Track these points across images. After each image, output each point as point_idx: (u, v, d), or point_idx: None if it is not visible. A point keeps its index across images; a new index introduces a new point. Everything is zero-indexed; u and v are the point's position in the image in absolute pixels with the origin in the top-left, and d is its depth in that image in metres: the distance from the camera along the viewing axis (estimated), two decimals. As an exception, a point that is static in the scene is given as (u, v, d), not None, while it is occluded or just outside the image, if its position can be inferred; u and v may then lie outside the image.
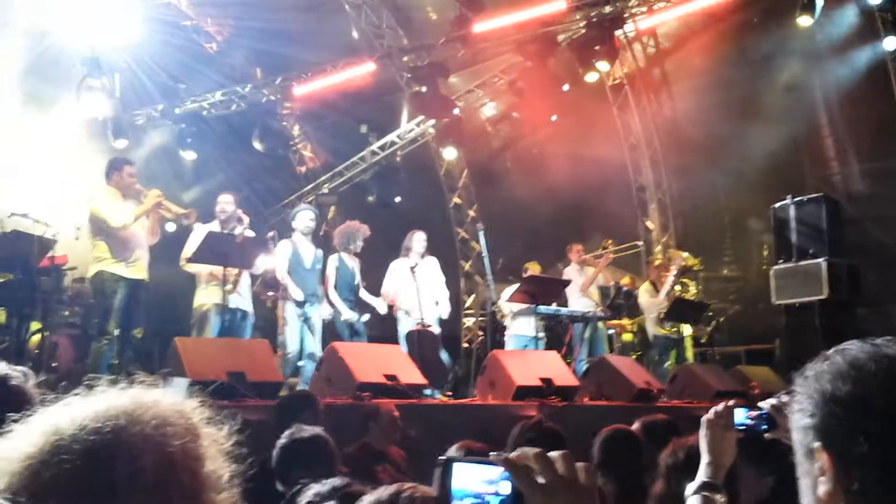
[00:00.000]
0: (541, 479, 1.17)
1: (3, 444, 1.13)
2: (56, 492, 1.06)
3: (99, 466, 1.08)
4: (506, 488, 1.18)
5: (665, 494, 2.68)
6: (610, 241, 11.61)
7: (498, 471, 1.18)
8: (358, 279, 9.23)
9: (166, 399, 1.19)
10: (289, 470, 3.74)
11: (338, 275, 9.07)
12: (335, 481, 2.58)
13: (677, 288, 10.96)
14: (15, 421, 1.15)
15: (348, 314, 8.94)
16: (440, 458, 1.21)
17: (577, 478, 1.19)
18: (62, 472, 1.07)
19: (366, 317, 9.16)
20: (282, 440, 3.90)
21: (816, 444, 1.22)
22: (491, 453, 1.19)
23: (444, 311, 9.55)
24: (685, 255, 11.29)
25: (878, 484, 1.15)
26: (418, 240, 9.47)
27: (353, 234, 9.26)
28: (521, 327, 10.51)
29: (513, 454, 1.19)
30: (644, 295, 11.01)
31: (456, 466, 1.19)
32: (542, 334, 10.16)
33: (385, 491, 2.03)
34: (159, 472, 1.10)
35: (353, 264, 9.23)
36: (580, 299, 10.75)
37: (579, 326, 10.53)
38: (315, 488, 2.56)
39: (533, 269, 10.86)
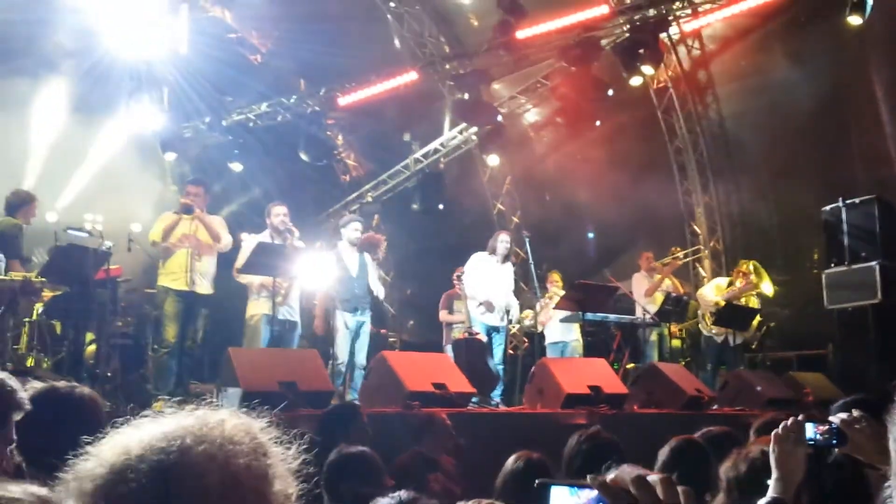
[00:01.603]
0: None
1: (77, 464, 1.15)
2: None
3: (165, 485, 1.09)
4: None
5: (728, 508, 2.64)
6: (678, 249, 11.65)
7: (594, 494, 1.18)
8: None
9: (233, 419, 1.20)
10: (337, 485, 3.80)
11: None
12: (402, 494, 2.55)
13: (743, 300, 10.91)
14: (89, 442, 1.17)
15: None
16: (538, 480, 1.21)
17: (677, 501, 1.18)
18: (130, 492, 1.08)
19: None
20: (330, 456, 3.96)
21: None
22: (588, 476, 1.19)
23: (515, 315, 9.82)
24: (766, 285, 11.20)
25: None
26: (503, 241, 9.61)
27: (374, 246, 9.47)
28: (552, 334, 10.60)
29: (610, 477, 1.19)
30: (710, 288, 11.02)
31: (553, 490, 1.20)
32: (576, 338, 10.25)
33: None
34: (225, 490, 1.11)
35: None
36: (647, 305, 10.85)
37: (643, 331, 10.59)
38: (382, 502, 2.54)
39: (554, 277, 10.97)
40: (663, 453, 3.48)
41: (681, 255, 11.54)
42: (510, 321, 9.86)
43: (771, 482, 2.30)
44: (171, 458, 1.11)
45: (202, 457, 1.12)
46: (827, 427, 2.43)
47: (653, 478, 1.19)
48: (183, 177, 11.28)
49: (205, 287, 8.20)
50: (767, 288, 11.10)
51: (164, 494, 1.08)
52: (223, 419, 1.19)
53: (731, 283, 11.13)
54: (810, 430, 2.42)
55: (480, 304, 9.36)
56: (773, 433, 2.38)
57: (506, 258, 9.65)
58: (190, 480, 1.10)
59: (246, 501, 1.13)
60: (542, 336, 11.10)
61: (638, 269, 11.60)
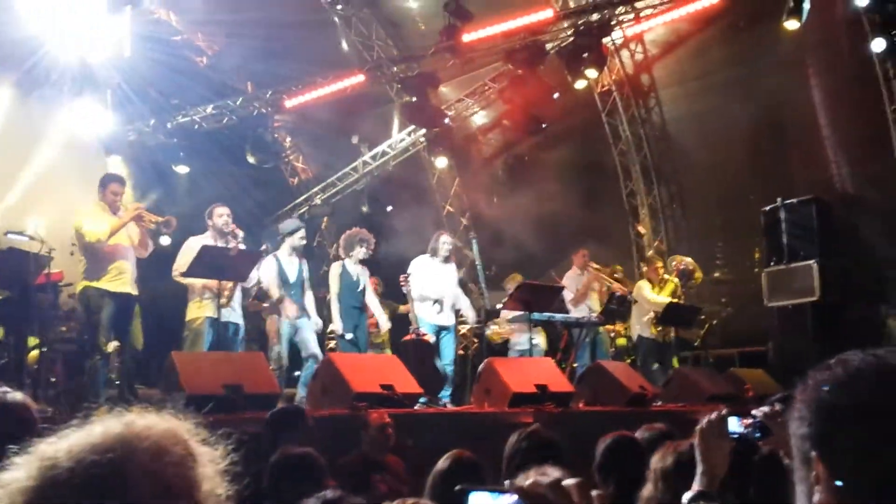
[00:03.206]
0: None
1: (4, 475, 1.14)
2: None
3: (98, 499, 1.09)
4: None
5: (652, 498, 2.71)
6: (620, 268, 11.80)
7: (513, 499, 1.21)
8: (363, 286, 9.31)
9: (161, 424, 1.20)
10: (277, 485, 3.81)
11: (341, 282, 9.16)
12: (327, 494, 2.53)
13: (681, 292, 11.06)
14: (15, 451, 1.16)
15: (337, 326, 9.00)
16: (458, 486, 1.23)
17: None
18: None
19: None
20: (272, 458, 3.97)
21: (813, 454, 1.23)
22: (505, 482, 1.22)
23: (472, 317, 9.85)
24: (691, 262, 11.36)
25: (871, 494, 1.16)
26: (444, 242, 9.62)
27: (352, 241, 9.34)
28: (518, 340, 10.70)
29: (527, 483, 1.23)
30: (645, 289, 11.07)
31: (472, 496, 1.22)
32: (536, 341, 10.30)
33: None
34: (157, 500, 1.12)
35: (358, 271, 9.31)
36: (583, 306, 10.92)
37: (578, 332, 10.65)
38: (308, 502, 2.51)
39: (518, 279, 11.01)
40: (599, 448, 3.56)
41: (620, 274, 11.71)
42: (463, 321, 9.91)
43: (696, 475, 2.36)
44: (103, 471, 1.10)
45: (134, 470, 1.12)
46: (750, 421, 2.49)
47: (569, 482, 1.23)
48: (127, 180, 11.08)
49: (135, 289, 7.96)
50: (693, 269, 11.29)
51: None
52: (151, 426, 1.19)
53: (650, 282, 11.26)
54: (734, 424, 2.47)
55: (436, 302, 9.38)
56: (697, 427, 2.44)
57: (447, 259, 9.67)
58: (122, 493, 1.10)
59: None
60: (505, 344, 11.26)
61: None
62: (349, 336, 9.01)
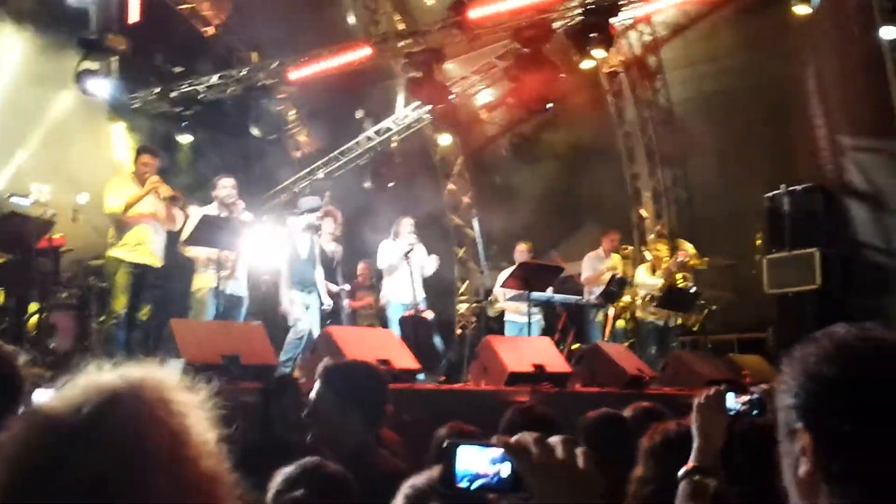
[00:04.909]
0: (540, 462, 1.22)
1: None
2: (54, 484, 1.07)
3: (105, 453, 1.09)
4: (506, 470, 1.24)
5: (644, 478, 2.72)
6: (629, 247, 11.84)
7: (499, 453, 1.24)
8: (337, 263, 9.38)
9: (152, 374, 1.20)
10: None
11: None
12: (305, 462, 2.50)
13: (678, 276, 11.04)
14: (6, 406, 1.15)
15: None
16: (446, 441, 1.26)
17: (575, 462, 1.23)
18: (68, 463, 1.07)
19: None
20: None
21: (799, 425, 1.24)
22: (493, 437, 1.24)
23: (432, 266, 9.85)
24: (692, 249, 11.34)
25: (857, 465, 1.18)
26: (406, 225, 9.60)
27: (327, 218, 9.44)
28: (513, 312, 10.66)
29: (513, 438, 1.24)
30: (643, 272, 11.09)
31: (460, 449, 1.25)
32: (536, 317, 10.28)
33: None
34: (162, 449, 1.12)
35: (333, 249, 9.35)
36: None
37: (588, 312, 10.69)
38: (285, 471, 2.46)
39: (523, 248, 10.93)
40: (581, 423, 3.57)
41: (629, 252, 11.77)
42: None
43: (693, 450, 2.37)
44: (100, 420, 1.11)
45: (131, 416, 1.12)
46: (748, 397, 2.51)
47: (553, 438, 1.24)
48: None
49: (157, 260, 8.09)
50: (692, 256, 11.29)
51: (104, 458, 1.08)
52: (143, 376, 1.19)
53: (652, 266, 11.27)
54: (731, 400, 2.49)
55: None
56: (694, 402, 2.46)
57: (414, 241, 9.66)
58: (119, 442, 1.10)
59: (181, 455, 1.13)
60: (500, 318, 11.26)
61: (596, 247, 11.57)
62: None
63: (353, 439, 3.17)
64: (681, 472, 2.33)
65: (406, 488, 1.68)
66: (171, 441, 1.14)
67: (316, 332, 8.59)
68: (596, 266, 11.21)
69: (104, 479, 1.07)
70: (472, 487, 1.24)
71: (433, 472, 1.25)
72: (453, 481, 1.25)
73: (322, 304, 8.91)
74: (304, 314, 8.49)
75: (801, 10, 10.41)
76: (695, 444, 2.38)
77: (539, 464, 1.22)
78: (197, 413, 1.20)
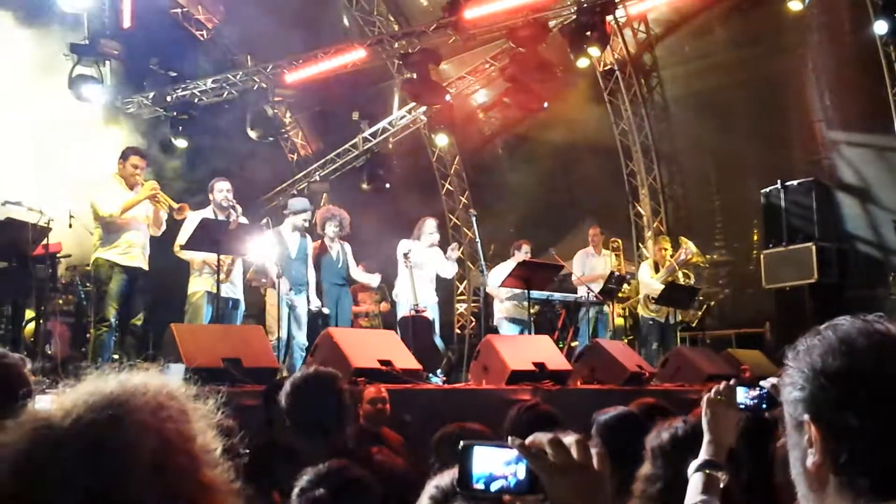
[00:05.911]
0: (555, 463, 1.22)
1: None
2: (55, 488, 1.06)
3: (97, 461, 1.08)
4: (521, 472, 1.24)
5: (651, 475, 2.73)
6: (618, 241, 11.81)
7: (514, 454, 1.24)
8: (343, 262, 9.33)
9: (155, 381, 1.19)
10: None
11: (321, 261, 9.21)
12: (331, 463, 2.58)
13: (679, 274, 11.04)
14: (8, 409, 1.14)
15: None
16: (462, 442, 1.26)
17: (590, 462, 1.24)
18: (62, 466, 1.07)
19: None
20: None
21: (806, 417, 1.25)
22: (508, 438, 1.25)
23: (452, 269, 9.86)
24: (694, 248, 11.33)
25: (865, 455, 1.19)
26: (429, 225, 9.62)
27: (323, 219, 9.38)
28: (511, 311, 10.64)
29: (528, 439, 1.25)
30: (646, 270, 11.10)
31: (476, 450, 1.26)
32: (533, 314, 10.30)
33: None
34: (157, 458, 1.10)
35: (339, 248, 9.32)
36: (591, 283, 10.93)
37: (587, 310, 10.68)
38: (310, 472, 2.55)
39: (522, 247, 10.89)
40: (595, 421, 3.56)
41: (619, 245, 11.76)
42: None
43: (703, 444, 2.37)
44: (103, 429, 1.09)
45: (134, 425, 1.11)
46: (758, 392, 2.50)
47: (569, 439, 1.25)
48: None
49: (146, 264, 8.01)
50: (693, 253, 11.27)
51: (96, 471, 1.07)
52: (145, 383, 1.18)
53: (655, 263, 11.27)
54: (741, 395, 2.49)
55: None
56: (704, 397, 2.46)
57: (432, 243, 9.67)
58: (122, 450, 1.09)
59: (177, 465, 1.12)
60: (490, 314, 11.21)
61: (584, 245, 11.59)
62: (327, 311, 9.06)
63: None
64: (691, 468, 2.33)
65: (431, 488, 1.69)
66: (167, 449, 1.12)
67: (302, 335, 8.65)
68: (586, 263, 11.20)
69: (96, 488, 1.06)
70: (488, 489, 1.25)
71: (456, 472, 1.26)
72: (469, 483, 1.25)
73: (310, 305, 8.91)
74: (283, 320, 8.48)
75: (795, 5, 10.45)
76: (705, 439, 2.38)
77: (555, 465, 1.23)
78: (198, 420, 1.19)
